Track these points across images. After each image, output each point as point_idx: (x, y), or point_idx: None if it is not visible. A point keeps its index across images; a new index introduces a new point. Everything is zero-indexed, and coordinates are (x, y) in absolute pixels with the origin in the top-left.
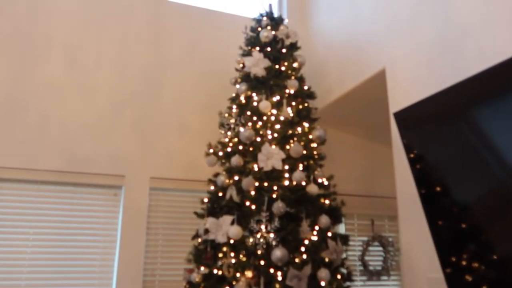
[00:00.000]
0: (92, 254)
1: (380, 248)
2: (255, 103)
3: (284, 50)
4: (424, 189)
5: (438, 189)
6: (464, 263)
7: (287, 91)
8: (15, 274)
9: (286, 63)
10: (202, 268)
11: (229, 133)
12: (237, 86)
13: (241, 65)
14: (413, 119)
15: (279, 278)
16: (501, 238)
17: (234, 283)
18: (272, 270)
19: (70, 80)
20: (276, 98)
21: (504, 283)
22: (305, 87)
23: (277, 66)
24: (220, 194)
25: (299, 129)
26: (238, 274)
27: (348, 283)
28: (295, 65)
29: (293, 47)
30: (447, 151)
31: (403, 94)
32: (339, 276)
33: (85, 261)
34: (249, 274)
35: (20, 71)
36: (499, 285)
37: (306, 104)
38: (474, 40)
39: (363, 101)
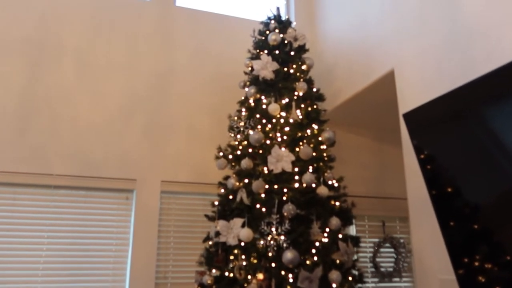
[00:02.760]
0: (105, 257)
1: (392, 250)
2: (264, 106)
3: (292, 53)
4: (435, 190)
5: (449, 190)
6: (476, 264)
7: (296, 93)
8: (30, 277)
9: (294, 66)
10: (214, 271)
11: (238, 136)
12: (246, 89)
13: (250, 68)
14: (422, 120)
15: (290, 280)
16: None
17: (245, 285)
18: (283, 272)
19: (81, 85)
20: (285, 100)
21: None
22: (314, 89)
23: (285, 69)
24: (231, 197)
25: (308, 131)
26: (249, 277)
27: (359, 285)
28: (303, 67)
29: (301, 49)
30: (458, 152)
31: (412, 95)
32: (350, 278)
33: (98, 264)
34: (260, 276)
35: (32, 77)
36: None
37: (315, 106)
38: (483, 41)
39: (372, 102)
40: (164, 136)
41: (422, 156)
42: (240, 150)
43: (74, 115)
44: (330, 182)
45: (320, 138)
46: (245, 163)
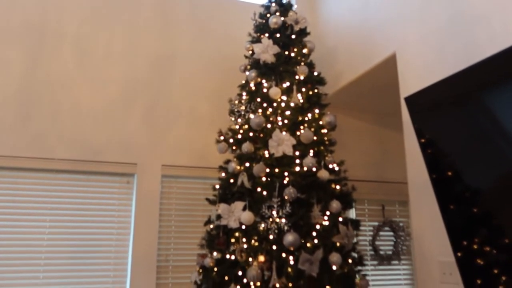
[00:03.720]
0: (107, 241)
1: (391, 233)
2: (265, 90)
3: (293, 36)
4: (435, 174)
5: (449, 173)
6: (475, 247)
7: (296, 77)
8: (33, 260)
9: (295, 49)
10: (215, 253)
11: (239, 120)
12: (247, 73)
13: (250, 52)
14: (424, 104)
15: (291, 262)
16: None
17: (246, 267)
18: (284, 255)
19: (81, 71)
20: (286, 84)
21: None
22: (315, 73)
23: (286, 52)
24: (232, 180)
25: (309, 115)
26: (250, 259)
27: (359, 267)
28: (304, 51)
29: (303, 33)
30: (459, 136)
31: (414, 79)
32: (350, 260)
33: (100, 247)
34: (261, 258)
35: (32, 63)
36: (510, 268)
37: (316, 90)
38: (486, 24)
39: (373, 86)
40: (165, 120)
41: (423, 140)
42: (241, 134)
43: (75, 101)
44: (330, 166)
45: (321, 122)
46: (246, 147)
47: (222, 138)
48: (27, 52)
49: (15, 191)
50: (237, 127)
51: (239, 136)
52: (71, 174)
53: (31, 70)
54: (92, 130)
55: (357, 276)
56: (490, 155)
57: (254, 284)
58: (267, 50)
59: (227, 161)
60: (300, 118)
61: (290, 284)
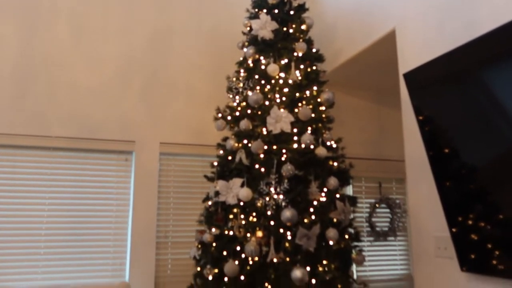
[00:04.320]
0: (106, 217)
1: (387, 210)
2: (263, 67)
3: (291, 12)
4: (432, 151)
5: (446, 151)
6: (470, 222)
7: (295, 54)
8: (34, 236)
9: (294, 26)
10: (214, 229)
11: (237, 97)
12: (245, 49)
13: (248, 28)
14: (423, 80)
15: (289, 238)
16: (508, 198)
17: (244, 243)
18: (281, 230)
19: (77, 47)
20: (284, 61)
21: (509, 241)
22: (314, 50)
23: (285, 29)
24: (230, 157)
25: (307, 92)
26: (248, 234)
27: (355, 243)
28: (303, 27)
29: (301, 9)
30: (457, 113)
31: (413, 56)
32: (346, 236)
33: (100, 223)
34: (259, 234)
35: (27, 40)
36: (504, 243)
37: (314, 67)
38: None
39: (372, 63)
40: (162, 97)
41: (421, 117)
42: (239, 111)
43: (71, 78)
44: (328, 143)
45: (319, 99)
46: (244, 124)
47: (220, 115)
48: (21, 29)
49: (13, 169)
50: (235, 104)
51: (237, 113)
52: (69, 151)
53: (27, 47)
54: (89, 108)
55: (353, 251)
56: (487, 133)
57: (252, 259)
58: (265, 26)
59: (225, 138)
60: (298, 95)
61: (288, 259)
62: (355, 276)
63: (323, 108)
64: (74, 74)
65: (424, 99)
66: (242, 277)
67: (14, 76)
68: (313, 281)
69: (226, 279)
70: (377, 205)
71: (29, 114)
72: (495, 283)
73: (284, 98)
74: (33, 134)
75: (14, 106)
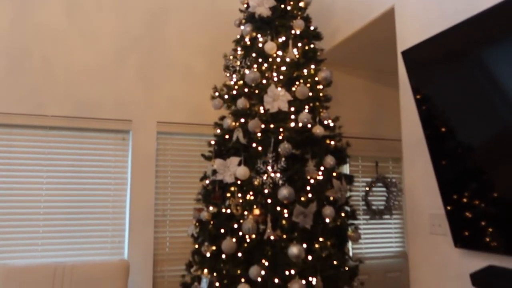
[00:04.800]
0: (104, 196)
1: (383, 189)
2: (260, 45)
3: None
4: (429, 130)
5: (443, 130)
6: (465, 200)
7: (293, 31)
8: (32, 215)
9: (291, 3)
10: (211, 208)
11: (234, 75)
12: (242, 27)
13: (246, 5)
14: (421, 58)
15: (286, 215)
16: (504, 177)
17: (242, 221)
18: (278, 208)
19: (72, 25)
20: (281, 39)
21: (503, 218)
22: (311, 28)
23: (282, 6)
24: (227, 136)
25: (305, 71)
26: (246, 212)
27: (351, 221)
28: (301, 4)
29: None
30: (455, 92)
31: (412, 34)
32: (343, 214)
33: (98, 202)
34: (256, 212)
35: (20, 17)
36: (497, 221)
37: (312, 45)
38: None
39: (370, 42)
40: (159, 76)
41: (418, 96)
42: (236, 89)
43: (66, 56)
44: (325, 122)
45: (316, 78)
46: (241, 102)
47: (217, 94)
48: (15, 5)
49: (10, 148)
50: (232, 82)
51: (234, 92)
52: (65, 131)
53: (20, 24)
54: (85, 87)
55: (349, 229)
56: (484, 112)
57: (250, 237)
58: (262, 3)
59: (222, 117)
60: (296, 74)
61: (285, 236)
62: (350, 253)
63: (320, 86)
64: (69, 51)
65: (422, 78)
66: (240, 254)
67: (8, 53)
68: (309, 257)
69: (223, 256)
70: (373, 184)
71: (24, 93)
72: (487, 259)
73: (281, 77)
74: (28, 113)
75: (8, 84)
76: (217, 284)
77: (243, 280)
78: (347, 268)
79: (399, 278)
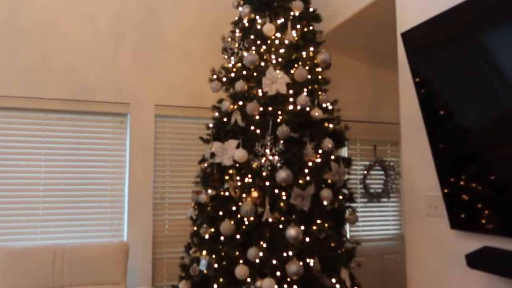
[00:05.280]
0: (103, 179)
1: (381, 172)
2: (258, 26)
3: None
4: (428, 113)
5: (442, 113)
6: (462, 183)
7: (291, 13)
8: (32, 198)
9: None
10: (210, 190)
11: (232, 58)
12: (240, 8)
13: None
14: (421, 40)
15: (284, 198)
16: (501, 160)
17: (240, 203)
18: (276, 191)
19: (68, 7)
20: (280, 20)
21: (499, 201)
22: (311, 9)
23: None
24: (225, 119)
25: (304, 53)
26: (244, 195)
27: (349, 203)
28: None
29: None
30: (455, 74)
31: (412, 16)
32: (341, 197)
33: (97, 185)
34: (254, 194)
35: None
36: (494, 203)
37: (311, 27)
38: None
39: (370, 24)
40: (157, 59)
41: (417, 79)
42: (234, 72)
43: (63, 39)
44: (324, 105)
45: (315, 61)
46: (240, 85)
47: (215, 76)
48: None
49: (8, 131)
50: (230, 65)
51: (233, 75)
52: (63, 114)
53: (17, 6)
54: (82, 69)
55: (347, 211)
56: (484, 95)
57: (248, 219)
58: None
59: (221, 100)
60: (295, 56)
61: (283, 218)
62: (348, 236)
63: (319, 69)
64: (65, 35)
65: (421, 60)
66: (238, 236)
67: (3, 35)
68: (307, 239)
69: (222, 238)
70: (371, 167)
71: (21, 75)
72: (482, 240)
73: (280, 59)
74: (25, 96)
75: (4, 66)
76: (215, 265)
77: (241, 261)
78: (344, 250)
79: (396, 260)
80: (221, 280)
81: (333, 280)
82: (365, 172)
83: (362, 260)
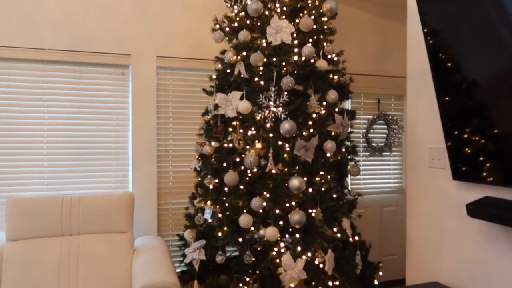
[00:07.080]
0: (107, 132)
1: (384, 126)
2: None
3: None
4: (436, 64)
5: (449, 64)
6: (465, 136)
7: None
8: (36, 150)
9: None
10: (213, 142)
11: (235, 6)
12: None
13: None
14: None
15: (287, 149)
16: (505, 113)
17: (244, 155)
18: (280, 142)
19: None
20: None
21: (502, 154)
22: None
23: None
24: (228, 71)
25: (309, 2)
26: (247, 146)
27: (352, 156)
28: None
29: None
30: (464, 25)
31: None
32: (343, 149)
33: (101, 137)
34: (258, 145)
35: None
36: (496, 156)
37: None
38: None
39: None
40: (158, 9)
41: (426, 29)
42: (238, 21)
43: None
44: (329, 56)
45: (321, 10)
46: (243, 35)
47: (217, 26)
48: None
49: (8, 82)
50: (233, 14)
51: (236, 24)
52: (63, 65)
53: None
54: (81, 19)
55: (349, 163)
56: (493, 48)
57: (251, 170)
58: None
59: (224, 51)
60: (300, 4)
61: (286, 170)
62: (349, 188)
63: (325, 19)
64: None
65: (432, 9)
66: (242, 187)
67: None
68: (310, 190)
69: (226, 188)
70: (374, 121)
71: (19, 25)
72: (484, 190)
73: (284, 8)
74: (24, 46)
75: (2, 17)
76: (220, 215)
77: (245, 211)
78: (345, 201)
79: (395, 211)
80: (225, 228)
81: (335, 229)
82: (368, 125)
83: (362, 212)
